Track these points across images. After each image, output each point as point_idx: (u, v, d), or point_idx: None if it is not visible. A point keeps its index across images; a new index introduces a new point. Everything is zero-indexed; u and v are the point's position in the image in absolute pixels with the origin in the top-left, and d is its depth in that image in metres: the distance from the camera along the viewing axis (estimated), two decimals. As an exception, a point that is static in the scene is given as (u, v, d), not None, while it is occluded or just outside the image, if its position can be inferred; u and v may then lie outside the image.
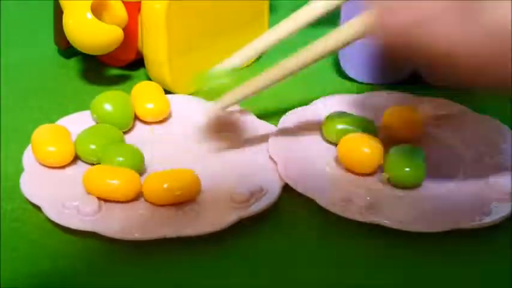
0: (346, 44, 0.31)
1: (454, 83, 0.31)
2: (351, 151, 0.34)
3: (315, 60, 0.32)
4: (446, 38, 0.26)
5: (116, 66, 0.44)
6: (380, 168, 0.34)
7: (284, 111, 0.38)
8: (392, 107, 0.37)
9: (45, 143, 0.34)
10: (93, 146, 0.34)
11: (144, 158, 0.34)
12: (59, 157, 0.34)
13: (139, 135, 0.37)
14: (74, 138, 0.35)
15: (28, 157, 0.34)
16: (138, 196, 0.32)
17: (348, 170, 0.34)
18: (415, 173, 0.33)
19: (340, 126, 0.35)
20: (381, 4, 0.27)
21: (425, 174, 0.33)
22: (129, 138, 0.36)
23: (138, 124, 0.38)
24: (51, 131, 0.35)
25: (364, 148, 0.34)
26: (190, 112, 0.38)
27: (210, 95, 0.36)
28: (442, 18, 0.26)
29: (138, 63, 0.43)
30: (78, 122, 0.37)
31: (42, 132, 0.34)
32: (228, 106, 0.36)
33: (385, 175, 0.33)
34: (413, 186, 0.33)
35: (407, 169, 0.33)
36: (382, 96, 0.40)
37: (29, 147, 0.34)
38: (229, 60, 0.36)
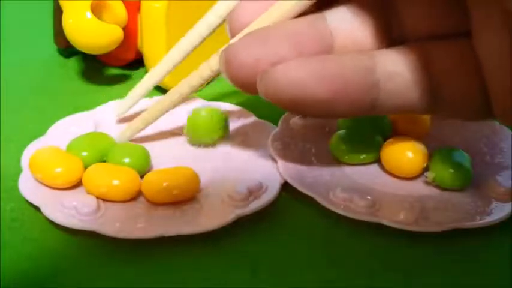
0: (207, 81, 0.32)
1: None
2: (394, 156, 0.34)
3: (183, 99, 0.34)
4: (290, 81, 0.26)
5: (115, 66, 0.44)
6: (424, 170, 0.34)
7: (284, 110, 0.38)
8: None
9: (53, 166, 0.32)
10: (84, 153, 0.33)
11: (150, 157, 0.34)
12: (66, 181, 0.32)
13: (138, 134, 0.37)
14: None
15: (27, 157, 0.34)
16: (137, 195, 0.32)
17: (392, 174, 0.34)
18: (462, 176, 0.33)
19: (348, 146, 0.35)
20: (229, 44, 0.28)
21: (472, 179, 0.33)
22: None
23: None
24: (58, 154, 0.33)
25: (408, 152, 0.33)
26: (190, 111, 0.38)
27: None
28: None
29: (138, 62, 0.43)
30: (77, 123, 0.37)
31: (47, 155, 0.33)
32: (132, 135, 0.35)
33: (430, 174, 0.33)
34: (459, 189, 0.33)
35: (452, 170, 0.33)
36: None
37: (29, 147, 0.34)
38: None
